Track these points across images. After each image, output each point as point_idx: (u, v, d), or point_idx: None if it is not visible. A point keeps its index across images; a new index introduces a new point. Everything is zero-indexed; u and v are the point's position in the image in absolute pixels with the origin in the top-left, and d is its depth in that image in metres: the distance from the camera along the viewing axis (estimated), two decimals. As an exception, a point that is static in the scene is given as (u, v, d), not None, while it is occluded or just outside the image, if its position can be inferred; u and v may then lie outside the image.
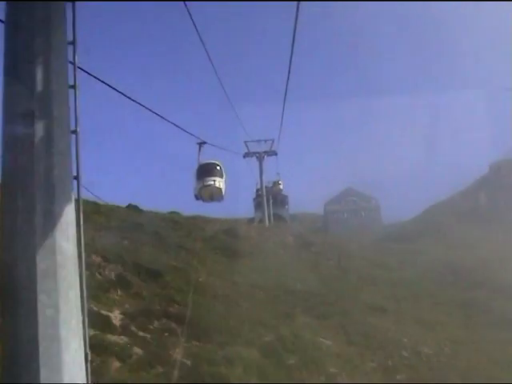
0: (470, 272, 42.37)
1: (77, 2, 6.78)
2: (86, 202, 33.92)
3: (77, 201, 6.80)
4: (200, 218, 41.47)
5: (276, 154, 55.45)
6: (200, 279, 22.26)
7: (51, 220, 6.28)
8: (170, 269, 21.66)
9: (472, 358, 23.50)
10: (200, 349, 15.34)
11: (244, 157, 54.69)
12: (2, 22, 6.60)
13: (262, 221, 55.21)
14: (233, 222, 41.14)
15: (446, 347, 24.57)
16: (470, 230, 59.06)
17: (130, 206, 36.11)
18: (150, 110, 15.23)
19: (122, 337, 13.95)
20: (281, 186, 75.51)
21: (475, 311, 32.41)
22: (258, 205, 61.99)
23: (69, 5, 6.74)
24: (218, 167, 29.71)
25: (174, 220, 35.65)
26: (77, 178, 6.89)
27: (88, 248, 18.40)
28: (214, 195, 29.21)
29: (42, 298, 5.97)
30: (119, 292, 16.85)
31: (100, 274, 17.70)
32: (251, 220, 68.02)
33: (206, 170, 29.18)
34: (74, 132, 6.83)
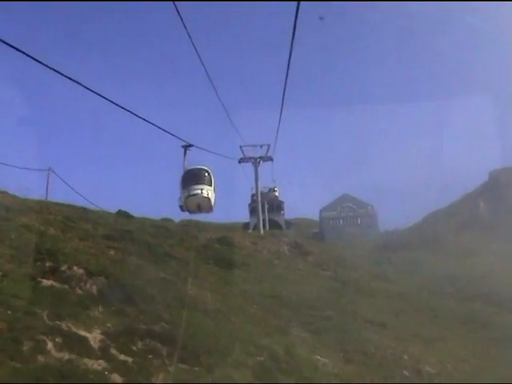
0: (469, 283, 41.63)
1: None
2: (74, 208, 32.99)
3: None
4: (193, 224, 40.45)
5: (272, 160, 54.07)
6: (190, 292, 21.04)
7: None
8: (158, 281, 20.40)
9: (475, 377, 22.51)
10: (187, 372, 14.07)
11: (239, 162, 53.36)
12: None
13: (256, 227, 53.92)
14: (227, 229, 39.95)
15: (449, 365, 23.59)
16: (470, 239, 58.33)
17: (119, 212, 34.91)
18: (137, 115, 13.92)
19: (101, 361, 12.66)
20: (276, 193, 74.81)
21: (476, 326, 31.73)
22: (254, 210, 61.07)
23: None
24: (206, 174, 26.02)
25: (165, 227, 34.48)
26: None
27: (70, 259, 17.33)
28: (202, 206, 25.47)
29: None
30: (100, 309, 15.51)
31: (81, 288, 16.42)
32: (246, 225, 67.22)
33: (192, 177, 25.59)
34: None
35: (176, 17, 13.62)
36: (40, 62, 10.30)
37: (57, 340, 12.94)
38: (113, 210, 37.01)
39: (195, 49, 18.84)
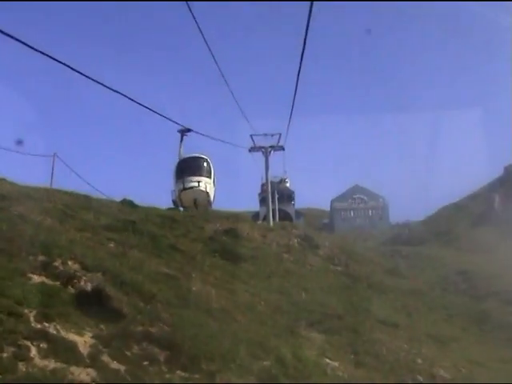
0: (483, 280, 40.69)
1: None
2: (76, 196, 31.83)
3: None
4: (201, 214, 39.19)
5: (283, 149, 52.52)
6: (194, 288, 19.86)
7: None
8: (159, 277, 19.22)
9: (492, 382, 21.42)
10: (185, 380, 12.91)
11: (250, 151, 51.86)
12: None
13: (266, 218, 52.66)
14: (236, 218, 38.72)
15: (464, 368, 22.52)
16: (483, 234, 57.40)
17: (124, 201, 33.73)
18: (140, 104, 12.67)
19: (90, 370, 11.47)
20: (287, 184, 73.84)
21: (491, 326, 30.83)
22: (263, 200, 60.04)
23: None
24: (205, 163, 19.86)
25: (171, 217, 33.25)
26: None
27: (65, 253, 16.16)
28: (199, 201, 19.76)
29: None
30: (94, 309, 14.32)
31: (74, 285, 15.20)
32: (256, 215, 66.37)
33: (188, 167, 19.71)
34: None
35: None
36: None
37: (42, 346, 11.72)
38: (119, 198, 35.84)
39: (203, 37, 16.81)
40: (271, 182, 55.60)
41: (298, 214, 77.65)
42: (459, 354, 24.99)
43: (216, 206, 38.26)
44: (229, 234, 32.38)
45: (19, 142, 40.19)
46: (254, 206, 72.92)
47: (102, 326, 13.61)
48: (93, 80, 11.27)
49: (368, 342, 22.15)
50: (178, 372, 13.25)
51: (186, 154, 19.75)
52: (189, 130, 19.87)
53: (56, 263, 15.94)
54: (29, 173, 58.09)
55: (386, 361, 20.95)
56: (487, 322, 31.58)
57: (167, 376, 12.84)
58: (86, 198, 31.40)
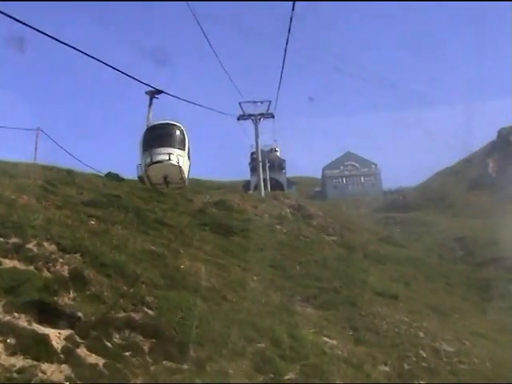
0: (481, 246, 40.09)
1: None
2: (58, 171, 30.29)
3: None
4: (190, 185, 37.87)
5: (273, 117, 50.89)
6: (182, 266, 18.66)
7: None
8: (144, 256, 17.94)
9: (496, 355, 20.62)
10: (172, 372, 11.77)
11: (238, 119, 50.22)
12: None
13: (257, 188, 51.38)
14: (227, 189, 37.62)
15: (467, 341, 21.65)
16: (478, 199, 56.89)
17: (109, 175, 32.24)
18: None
19: (64, 366, 10.25)
20: (278, 153, 72.73)
21: (491, 294, 30.14)
22: (254, 168, 58.72)
23: None
24: (178, 132, 16.60)
25: (159, 191, 31.84)
26: None
27: (41, 233, 14.82)
28: (170, 177, 16.54)
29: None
30: (71, 294, 13.04)
31: (49, 269, 13.89)
32: (247, 184, 65.39)
33: (156, 137, 16.50)
34: None
35: None
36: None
37: (9, 341, 10.47)
38: (105, 172, 34.35)
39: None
40: (261, 151, 54.17)
41: (290, 182, 76.61)
42: (461, 325, 24.20)
43: (206, 177, 37.06)
44: (219, 206, 31.23)
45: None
46: (244, 175, 71.75)
47: (79, 314, 12.34)
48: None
49: (367, 316, 21.22)
50: (164, 363, 12.12)
51: (154, 121, 16.89)
52: (159, 92, 17.31)
53: (30, 245, 14.56)
54: (13, 148, 56.69)
55: (386, 336, 20.04)
56: (487, 290, 30.89)
57: (151, 368, 11.70)
58: (69, 172, 29.89)
